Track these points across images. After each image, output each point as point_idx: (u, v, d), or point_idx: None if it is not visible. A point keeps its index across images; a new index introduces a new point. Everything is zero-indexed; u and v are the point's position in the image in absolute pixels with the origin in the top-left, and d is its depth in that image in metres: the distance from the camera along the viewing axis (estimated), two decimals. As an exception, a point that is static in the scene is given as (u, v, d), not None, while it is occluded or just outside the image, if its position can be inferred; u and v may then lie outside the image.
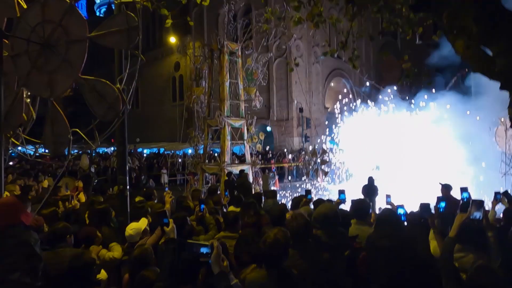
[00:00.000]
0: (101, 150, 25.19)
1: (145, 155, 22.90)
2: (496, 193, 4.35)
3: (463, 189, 3.30)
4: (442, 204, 3.54)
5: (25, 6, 3.24)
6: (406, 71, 3.60)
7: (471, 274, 2.18)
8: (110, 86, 2.93)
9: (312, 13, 3.43)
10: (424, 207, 3.13)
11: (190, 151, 15.04)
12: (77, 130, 2.95)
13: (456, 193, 5.06)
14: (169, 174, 16.96)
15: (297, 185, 15.62)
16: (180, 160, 17.13)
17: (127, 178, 4.19)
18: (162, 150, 24.05)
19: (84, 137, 2.89)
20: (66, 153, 3.00)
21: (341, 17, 3.67)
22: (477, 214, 2.45)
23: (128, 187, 4.15)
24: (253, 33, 15.01)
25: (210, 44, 13.57)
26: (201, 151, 13.31)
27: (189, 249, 1.95)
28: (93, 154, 24.49)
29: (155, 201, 5.61)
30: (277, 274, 2.26)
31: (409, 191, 9.42)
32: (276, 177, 17.19)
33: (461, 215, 2.47)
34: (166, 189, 7.58)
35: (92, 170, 8.72)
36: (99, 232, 3.76)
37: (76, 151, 3.18)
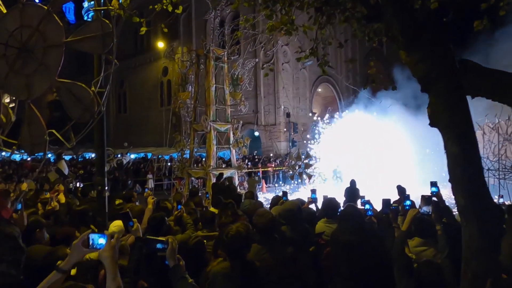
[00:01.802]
0: (87, 155, 24.96)
1: (131, 160, 22.77)
2: None
3: (433, 184, 3.46)
4: (408, 202, 3.74)
5: (4, 11, 3.34)
6: (371, 76, 3.80)
7: (418, 267, 2.37)
8: (86, 89, 3.05)
9: (282, 22, 3.61)
10: (385, 202, 3.31)
11: (177, 155, 15.13)
12: (53, 131, 3.04)
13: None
14: (156, 179, 16.94)
15: (284, 189, 15.84)
16: (166, 165, 17.17)
17: (105, 179, 4.27)
18: (149, 155, 23.96)
19: (60, 137, 2.99)
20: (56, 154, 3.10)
21: (311, 25, 3.85)
22: (426, 209, 2.64)
23: (106, 188, 4.23)
24: (240, 39, 15.24)
25: (197, 49, 13.75)
26: (187, 156, 13.39)
27: (148, 245, 2.08)
28: (79, 159, 24.25)
29: (136, 203, 5.70)
30: (240, 265, 2.39)
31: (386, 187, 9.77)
32: (263, 181, 17.35)
33: (413, 210, 2.65)
34: (146, 189, 7.64)
35: (66, 173, 8.65)
36: (78, 233, 3.83)
37: (50, 153, 3.28)
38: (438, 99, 1.81)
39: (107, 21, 2.85)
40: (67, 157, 20.68)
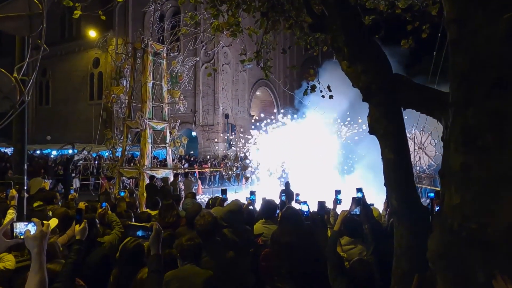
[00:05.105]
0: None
1: (52, 156, 20.75)
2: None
3: (358, 189, 3.77)
4: (339, 196, 3.99)
5: None
6: (311, 85, 3.99)
7: (351, 266, 2.53)
8: (6, 75, 2.70)
9: (228, 23, 3.61)
10: (320, 204, 3.49)
11: (107, 153, 14.14)
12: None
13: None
14: (82, 178, 15.65)
15: (220, 190, 15.85)
16: (94, 163, 15.96)
17: (25, 178, 3.83)
18: (75, 151, 22.04)
19: (-29, 129, 2.61)
20: None
21: (257, 29, 3.90)
22: (357, 210, 2.85)
23: (25, 187, 3.80)
24: (180, 36, 14.82)
25: (134, 42, 13.03)
26: (119, 154, 12.61)
27: (130, 232, 1.92)
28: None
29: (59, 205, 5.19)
30: None
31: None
32: (199, 182, 17.11)
33: (344, 211, 2.83)
34: (72, 191, 7.06)
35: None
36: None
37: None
38: (377, 109, 1.97)
39: (36, 1, 2.56)
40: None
